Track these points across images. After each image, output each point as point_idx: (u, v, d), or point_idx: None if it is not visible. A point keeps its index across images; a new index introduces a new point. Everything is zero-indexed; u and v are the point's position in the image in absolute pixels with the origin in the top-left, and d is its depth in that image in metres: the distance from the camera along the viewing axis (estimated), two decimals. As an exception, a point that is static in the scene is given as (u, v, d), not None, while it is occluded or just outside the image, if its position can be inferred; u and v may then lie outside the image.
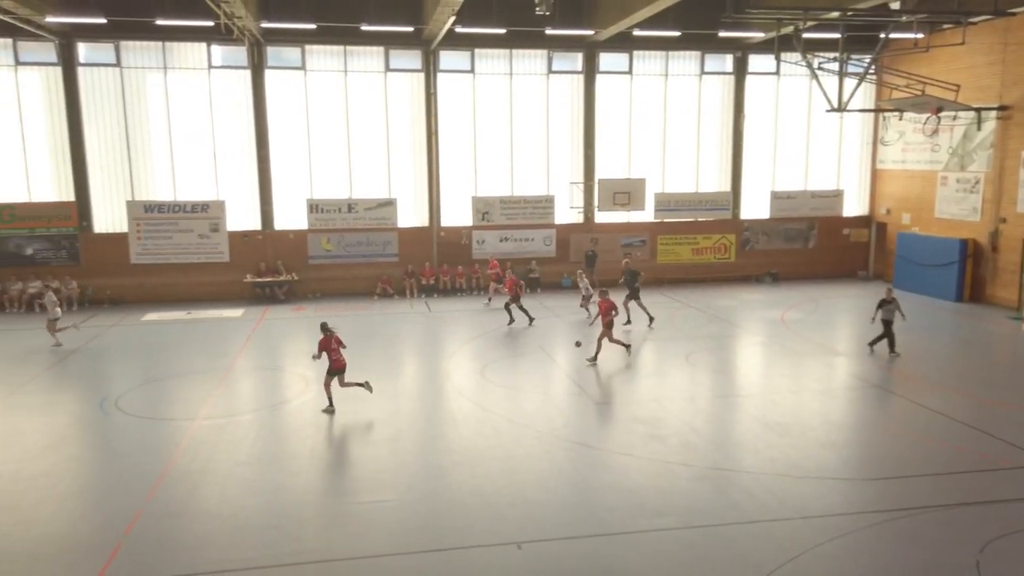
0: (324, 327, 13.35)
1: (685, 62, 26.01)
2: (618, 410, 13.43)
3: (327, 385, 13.11)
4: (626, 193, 25.42)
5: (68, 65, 22.28)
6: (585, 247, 25.99)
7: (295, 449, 11.63)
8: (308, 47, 23.60)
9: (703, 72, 26.16)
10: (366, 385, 13.41)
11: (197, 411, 13.24)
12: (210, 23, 19.74)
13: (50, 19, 19.69)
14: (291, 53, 23.65)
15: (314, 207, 24.14)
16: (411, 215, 25.23)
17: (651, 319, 19.85)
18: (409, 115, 24.69)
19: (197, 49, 23.00)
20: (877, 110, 26.17)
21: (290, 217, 24.29)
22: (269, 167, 23.89)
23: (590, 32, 23.47)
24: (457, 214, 25.36)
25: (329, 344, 13.03)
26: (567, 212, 25.96)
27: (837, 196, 27.47)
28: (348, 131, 24.35)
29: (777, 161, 27.08)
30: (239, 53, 23.08)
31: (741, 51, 25.86)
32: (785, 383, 15.00)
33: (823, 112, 23.82)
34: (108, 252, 23.19)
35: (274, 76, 23.63)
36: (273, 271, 23.93)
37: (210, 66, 23.19)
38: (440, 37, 22.16)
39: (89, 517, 9.43)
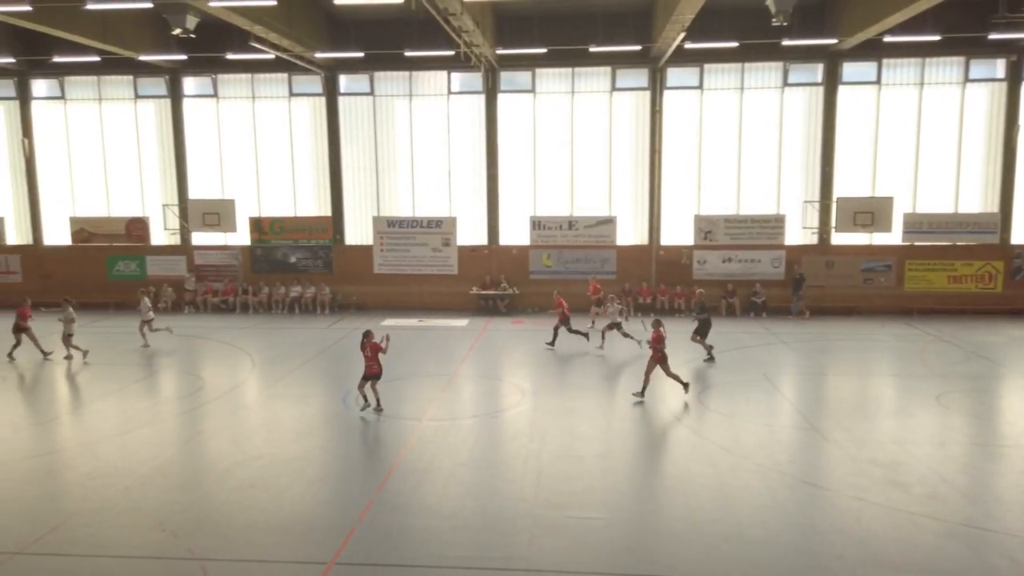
0: (366, 334, 13.92)
1: (944, 69, 23.38)
2: (852, 450, 12.24)
3: (360, 387, 13.94)
4: (869, 213, 23.33)
5: (331, 95, 25.13)
6: (817, 267, 24.18)
7: (511, 456, 11.99)
8: (538, 70, 24.52)
9: (967, 80, 23.33)
10: (379, 406, 13.84)
11: (424, 412, 14.14)
12: (451, 52, 21.23)
13: (319, 55, 22.32)
14: (522, 77, 24.71)
15: (536, 224, 24.93)
16: (630, 233, 25.14)
17: (711, 357, 17.80)
18: (632, 133, 24.69)
19: (439, 77, 24.85)
20: None
21: (514, 233, 25.31)
22: (497, 185, 25.12)
23: (832, 41, 21.92)
24: (677, 233, 24.83)
25: (364, 351, 13.70)
26: (799, 232, 24.36)
27: None
28: (572, 150, 24.89)
29: (1060, 178, 23.37)
30: (475, 79, 24.57)
31: (1016, 55, 22.70)
32: (1065, 437, 12.76)
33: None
34: (356, 262, 25.71)
35: (505, 99, 24.84)
36: (496, 284, 25.03)
37: (449, 92, 24.93)
38: (668, 54, 21.93)
39: (330, 501, 10.41)
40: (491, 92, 24.69)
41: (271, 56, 21.16)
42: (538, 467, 11.52)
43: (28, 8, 16.83)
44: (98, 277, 26.23)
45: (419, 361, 18.42)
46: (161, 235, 26.23)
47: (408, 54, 22.66)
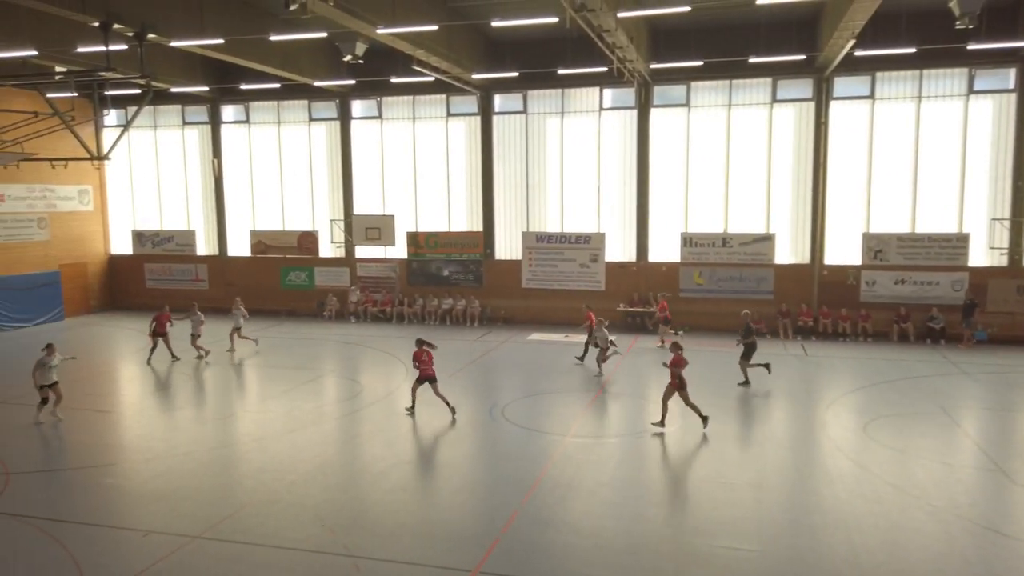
0: (418, 342, 14.82)
1: None
2: (1048, 497, 10.86)
3: (414, 390, 14.91)
4: (1070, 232, 20.76)
5: (485, 114, 25.89)
6: (1007, 292, 21.80)
7: (656, 478, 11.68)
8: (693, 84, 23.97)
9: None
10: (451, 409, 14.64)
11: (568, 428, 14.10)
12: (604, 69, 21.23)
13: (476, 76, 23.08)
14: (676, 91, 24.25)
15: (688, 240, 24.29)
16: (789, 251, 23.89)
17: (747, 382, 17.05)
18: (794, 146, 23.52)
19: (590, 93, 24.92)
20: None
21: (663, 250, 24.80)
22: (647, 201, 24.74)
23: (1027, 42, 19.81)
24: (843, 251, 23.30)
25: (420, 356, 14.58)
26: (984, 253, 22.13)
27: None
28: (727, 164, 24.07)
29: None
30: (627, 94, 24.41)
31: None
32: None
33: None
34: (505, 276, 26.22)
35: (658, 114, 24.48)
36: (644, 302, 24.60)
37: (601, 108, 24.93)
38: (836, 63, 20.73)
39: (476, 510, 10.60)
40: (643, 107, 24.42)
41: (431, 78, 22.13)
42: (685, 492, 11.14)
43: (221, 41, 18.66)
44: (273, 286, 28.45)
45: (564, 377, 18.42)
46: (328, 248, 28.06)
47: (561, 72, 22.91)
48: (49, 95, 21.52)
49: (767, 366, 17.47)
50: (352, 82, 24.98)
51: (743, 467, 12.07)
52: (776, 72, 23.00)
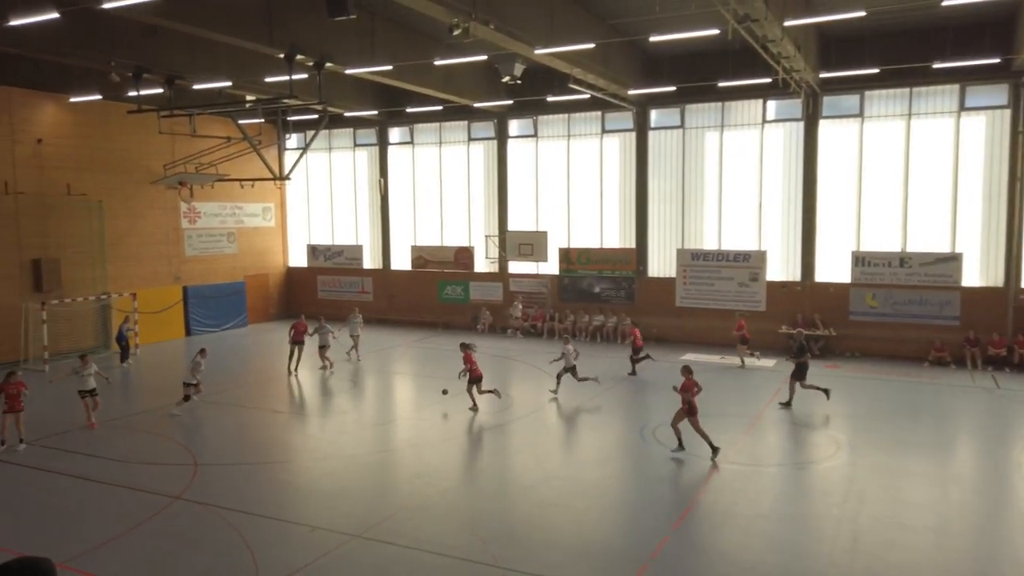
0: (463, 346, 16.67)
1: None
2: None
3: (469, 391, 16.31)
4: None
5: (641, 130, 25.61)
6: None
7: (820, 514, 10.89)
8: (867, 93, 22.43)
9: None
10: (495, 392, 16.67)
11: (724, 454, 13.49)
12: (768, 80, 20.36)
13: (632, 91, 22.91)
14: (848, 101, 22.80)
15: (860, 260, 22.65)
16: (978, 273, 21.66)
17: (789, 403, 16.54)
18: (986, 157, 21.34)
19: (753, 106, 23.97)
20: None
21: (832, 269, 23.28)
22: (814, 217, 23.37)
23: None
24: (1044, 274, 20.80)
25: (471, 359, 16.23)
26: None
27: None
28: (906, 178, 22.26)
29: None
30: (793, 106, 23.24)
31: None
32: None
33: None
34: (657, 294, 25.69)
35: (827, 125, 23.12)
36: (809, 324, 23.19)
37: (763, 121, 23.92)
38: (1036, 64, 18.66)
39: (626, 531, 10.39)
40: (811, 118, 23.14)
41: (586, 96, 22.21)
42: (853, 531, 10.30)
43: (389, 67, 19.78)
44: (430, 299, 29.61)
45: (720, 400, 17.69)
46: (483, 263, 28.83)
47: (721, 84, 22.23)
48: (240, 121, 23.76)
49: (827, 392, 16.46)
50: (509, 102, 25.61)
51: (923, 509, 10.99)
52: (964, 78, 21.03)
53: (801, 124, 23.31)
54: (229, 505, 11.14)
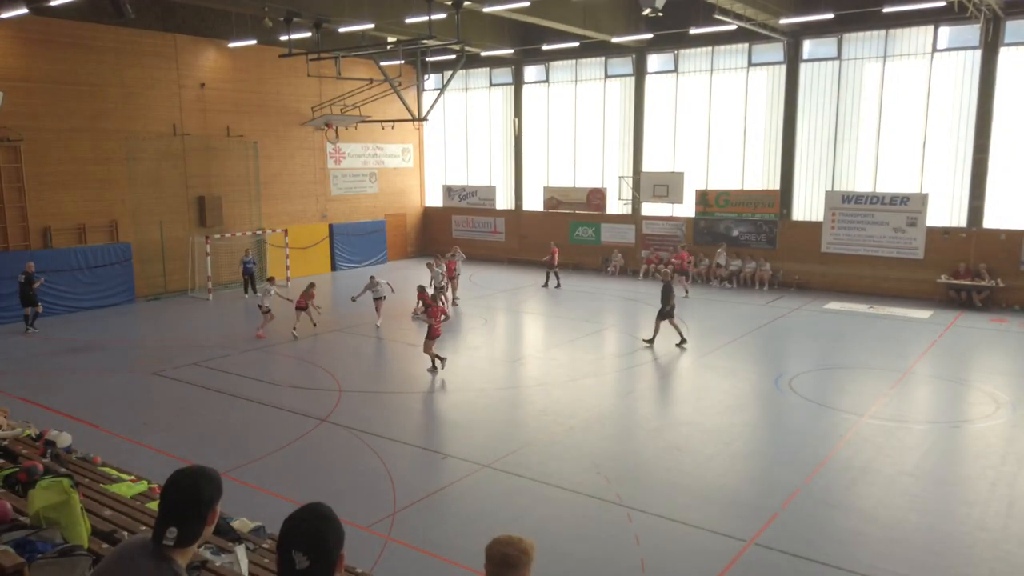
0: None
1: None
2: None
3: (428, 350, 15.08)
4: None
5: (791, 63, 23.92)
6: None
7: (973, 475, 10.15)
8: (1061, 13, 19.73)
9: None
10: (441, 360, 15.07)
11: (866, 408, 12.80)
12: (941, 3, 18.34)
13: (783, 21, 21.36)
14: (1036, 24, 20.18)
15: (1039, 205, 20.34)
16: None
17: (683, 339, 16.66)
18: None
19: (922, 33, 21.73)
20: None
21: (1005, 215, 21.07)
22: (987, 157, 21.13)
23: None
24: None
25: (437, 315, 15.08)
26: None
27: None
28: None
29: None
30: (970, 32, 20.85)
31: None
32: None
33: None
34: (801, 239, 24.33)
35: (1009, 53, 20.61)
36: (973, 274, 21.25)
37: (934, 50, 21.65)
38: None
39: (754, 481, 10.16)
40: (990, 46, 20.68)
41: (733, 27, 20.95)
42: (1010, 495, 9.54)
43: (527, 3, 19.43)
44: (561, 240, 29.56)
45: (866, 352, 16.71)
46: (615, 204, 28.37)
47: (887, 10, 20.23)
48: (381, 63, 24.36)
49: (683, 340, 16.77)
50: (649, 36, 24.60)
51: (1095, 479, 9.97)
52: None
53: (978, 52, 20.92)
54: (368, 430, 11.87)
